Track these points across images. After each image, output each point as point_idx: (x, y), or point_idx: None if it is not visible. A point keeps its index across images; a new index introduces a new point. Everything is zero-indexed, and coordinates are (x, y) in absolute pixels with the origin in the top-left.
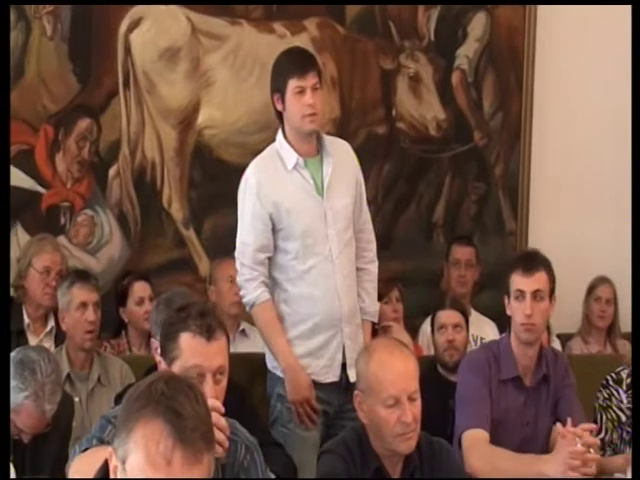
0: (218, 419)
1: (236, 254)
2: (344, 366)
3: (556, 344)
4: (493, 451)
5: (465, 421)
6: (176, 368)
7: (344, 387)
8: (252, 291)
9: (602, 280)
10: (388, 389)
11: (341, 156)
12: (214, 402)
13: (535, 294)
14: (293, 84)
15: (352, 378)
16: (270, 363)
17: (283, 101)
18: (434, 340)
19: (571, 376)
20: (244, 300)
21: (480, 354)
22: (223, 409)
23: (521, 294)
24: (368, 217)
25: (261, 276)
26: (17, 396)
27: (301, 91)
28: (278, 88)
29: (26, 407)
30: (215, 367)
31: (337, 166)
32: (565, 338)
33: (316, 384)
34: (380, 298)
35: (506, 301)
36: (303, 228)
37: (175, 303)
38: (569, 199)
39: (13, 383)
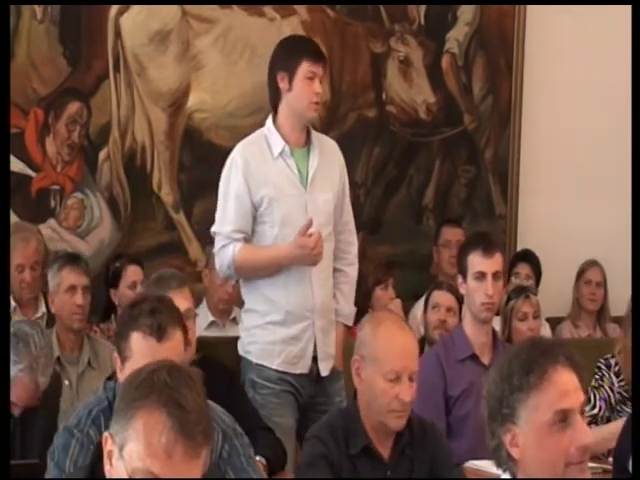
0: None
1: (213, 229)
2: (315, 359)
3: (546, 328)
4: None
5: None
6: (127, 369)
7: (314, 379)
8: (226, 251)
9: (592, 263)
10: (393, 363)
11: (328, 153)
12: None
13: (495, 275)
14: (307, 67)
15: (323, 372)
16: (241, 348)
17: (290, 82)
18: (425, 318)
19: None
20: (222, 270)
21: (429, 354)
22: None
23: (482, 275)
24: (351, 219)
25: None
26: (12, 369)
27: (312, 77)
28: (287, 67)
29: (20, 379)
30: None
31: (323, 161)
32: (555, 322)
33: (286, 374)
34: (378, 283)
35: (459, 280)
36: (282, 216)
37: (165, 281)
38: (559, 182)
39: None
